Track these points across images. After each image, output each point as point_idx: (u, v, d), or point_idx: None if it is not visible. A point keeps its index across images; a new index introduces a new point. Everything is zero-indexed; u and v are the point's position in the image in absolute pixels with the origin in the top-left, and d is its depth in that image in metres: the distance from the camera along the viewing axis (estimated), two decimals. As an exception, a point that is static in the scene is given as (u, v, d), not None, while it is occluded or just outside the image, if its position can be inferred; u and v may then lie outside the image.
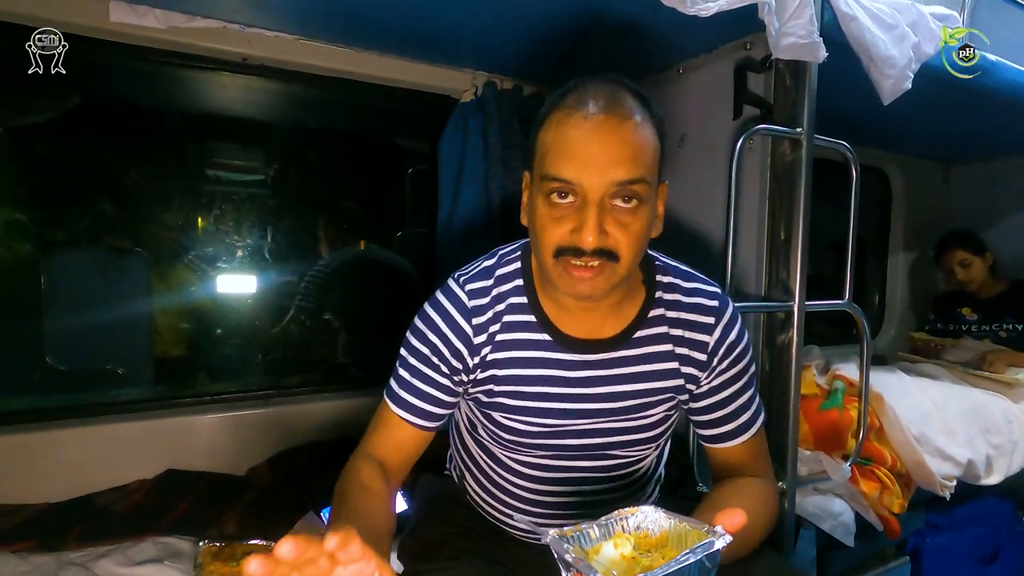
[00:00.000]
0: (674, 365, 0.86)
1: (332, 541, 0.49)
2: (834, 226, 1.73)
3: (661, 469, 1.03)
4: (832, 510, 1.37)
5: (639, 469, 0.95)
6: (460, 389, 0.88)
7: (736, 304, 1.13)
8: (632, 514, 0.60)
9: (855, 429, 1.40)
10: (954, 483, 1.52)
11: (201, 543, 1.06)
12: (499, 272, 0.87)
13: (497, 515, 0.98)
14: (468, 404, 0.94)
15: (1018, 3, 1.62)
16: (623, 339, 0.85)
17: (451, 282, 0.87)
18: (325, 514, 1.20)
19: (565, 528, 0.58)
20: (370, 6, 1.23)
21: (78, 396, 1.70)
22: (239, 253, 1.97)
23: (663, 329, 0.86)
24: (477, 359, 0.85)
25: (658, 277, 0.88)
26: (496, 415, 0.88)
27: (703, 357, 0.85)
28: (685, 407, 0.91)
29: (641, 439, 0.89)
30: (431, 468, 1.29)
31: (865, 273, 2.61)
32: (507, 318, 0.85)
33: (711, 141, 1.41)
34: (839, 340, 2.24)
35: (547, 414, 0.85)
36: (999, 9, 1.56)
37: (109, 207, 1.83)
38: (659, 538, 0.58)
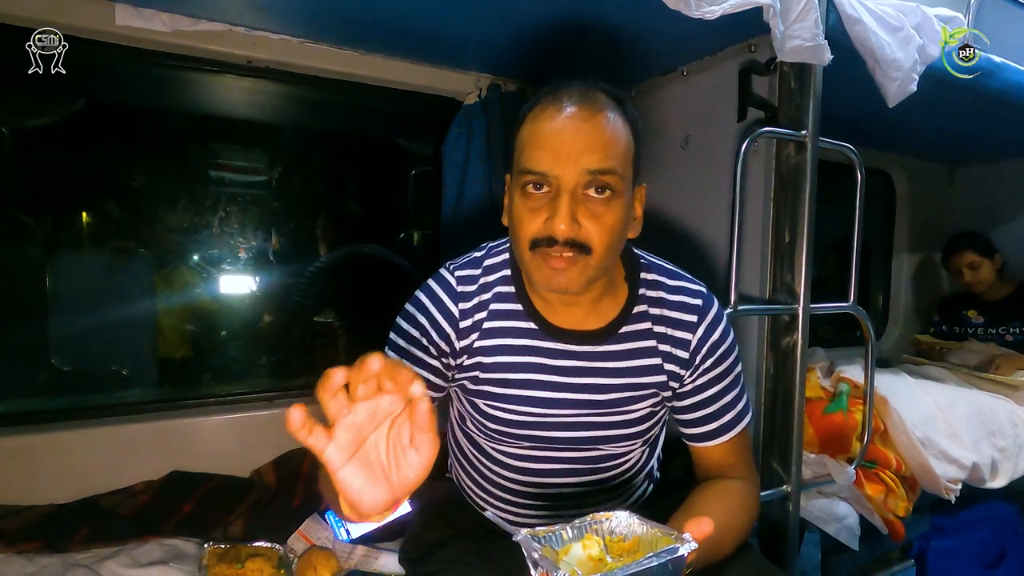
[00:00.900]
0: (657, 361, 0.87)
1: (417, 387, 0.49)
2: (836, 227, 1.73)
3: (653, 465, 1.04)
4: (837, 513, 1.37)
5: (626, 464, 0.96)
6: (449, 374, 0.90)
7: (740, 307, 1.15)
8: (607, 518, 0.61)
9: (860, 432, 1.40)
10: (959, 486, 1.51)
11: (206, 545, 1.06)
12: (487, 262, 0.90)
13: (498, 516, 0.98)
14: (457, 394, 0.95)
15: (1023, 5, 1.62)
16: (607, 334, 0.86)
17: (442, 269, 0.91)
18: (329, 516, 1.20)
19: (538, 528, 0.59)
20: (375, 9, 1.23)
21: (83, 398, 1.71)
22: (243, 254, 1.97)
23: (646, 325, 0.87)
24: (464, 343, 0.87)
25: (642, 275, 0.89)
26: (481, 403, 0.89)
27: (686, 355, 0.87)
28: (669, 404, 0.92)
29: (626, 435, 0.90)
30: (432, 471, 1.29)
31: (869, 275, 2.60)
32: (494, 306, 0.87)
33: (715, 143, 1.41)
34: (843, 342, 2.24)
35: (531, 402, 0.87)
36: (1004, 11, 1.55)
37: (114, 209, 1.84)
38: (631, 543, 0.59)
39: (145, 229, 1.87)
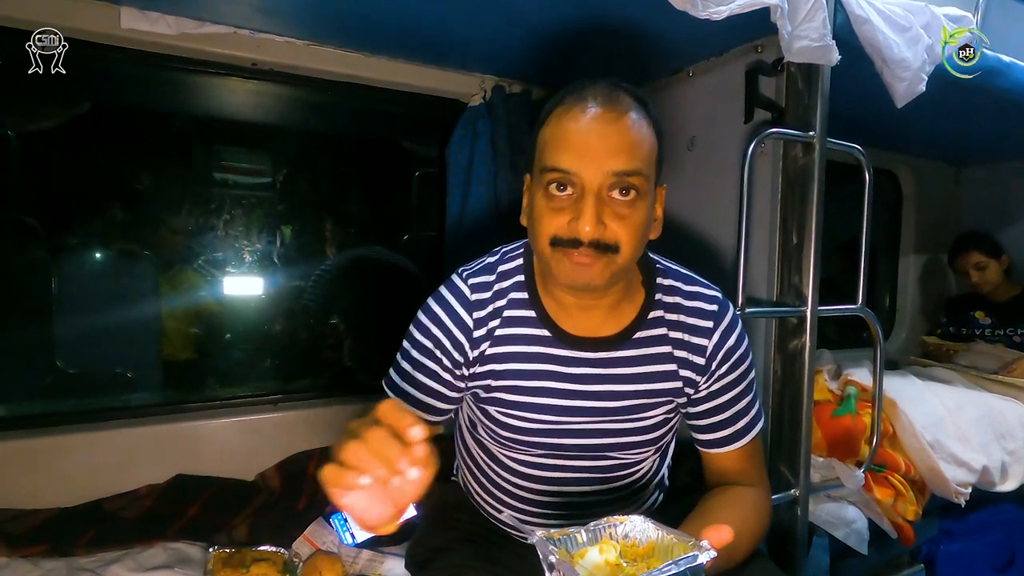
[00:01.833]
0: (672, 367, 0.86)
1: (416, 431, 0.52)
2: (842, 228, 1.72)
3: (664, 473, 1.03)
4: (845, 517, 1.36)
5: (639, 472, 0.95)
6: (462, 384, 0.88)
7: (748, 309, 1.14)
8: (621, 522, 0.60)
9: (869, 435, 1.39)
10: (969, 490, 1.50)
11: (211, 549, 1.06)
12: (501, 268, 0.89)
13: (500, 517, 0.99)
14: (468, 401, 0.94)
15: (1031, 4, 1.60)
16: (622, 339, 0.85)
17: (455, 276, 0.89)
18: (335, 520, 1.20)
19: (553, 530, 0.58)
20: (380, 11, 1.23)
21: (88, 401, 1.71)
22: (247, 257, 1.97)
23: (662, 331, 0.86)
24: (476, 352, 0.86)
25: (658, 280, 0.88)
26: (494, 411, 0.88)
27: (702, 361, 0.86)
28: (683, 411, 0.91)
29: (639, 441, 0.89)
30: (437, 474, 1.29)
31: (875, 276, 2.59)
32: (507, 313, 0.86)
33: (721, 144, 1.40)
34: (849, 343, 2.22)
35: (544, 410, 0.86)
36: (1012, 10, 1.54)
37: (118, 211, 1.84)
38: (646, 548, 0.59)
39: (150, 232, 1.87)
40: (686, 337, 0.86)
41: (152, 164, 1.85)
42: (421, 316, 0.89)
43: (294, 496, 1.32)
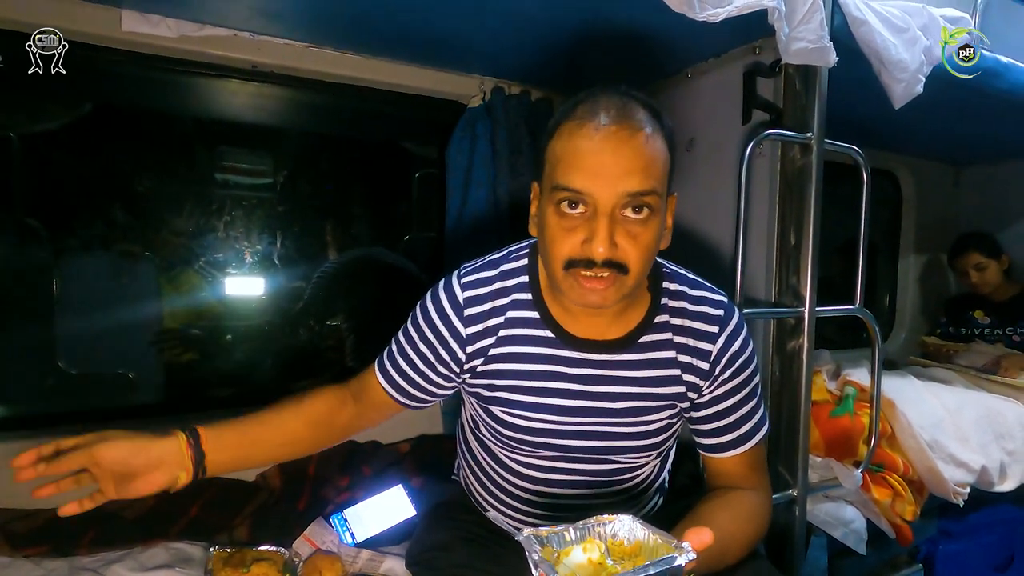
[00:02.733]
0: (676, 372, 0.86)
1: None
2: (841, 228, 1.72)
3: (664, 477, 1.03)
4: (844, 517, 1.36)
5: (639, 476, 0.95)
6: (449, 383, 0.92)
7: (746, 310, 1.14)
8: (610, 521, 0.61)
9: (867, 435, 1.39)
10: (967, 490, 1.50)
11: (212, 549, 1.06)
12: (504, 267, 0.89)
13: (504, 517, 0.99)
14: (471, 401, 0.95)
15: (1030, 5, 1.61)
16: (627, 343, 0.85)
17: (453, 275, 0.90)
18: (334, 519, 1.20)
19: (541, 528, 0.59)
20: (379, 14, 1.24)
21: (90, 401, 1.72)
22: (248, 258, 1.98)
23: (667, 336, 0.86)
24: (472, 349, 0.87)
25: (664, 284, 0.88)
26: (497, 410, 0.89)
27: (706, 366, 0.86)
28: (686, 415, 0.90)
29: (641, 446, 0.89)
30: (437, 473, 1.30)
31: (875, 276, 2.59)
32: (511, 313, 0.86)
33: (720, 146, 1.40)
34: (848, 344, 2.23)
35: (548, 410, 0.86)
36: (1010, 11, 1.55)
37: (120, 213, 1.84)
38: (632, 547, 0.60)
39: (151, 233, 1.88)
40: (691, 342, 0.86)
41: (153, 165, 1.85)
42: (416, 309, 0.92)
43: (294, 496, 1.32)
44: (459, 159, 1.61)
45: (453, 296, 0.87)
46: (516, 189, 1.61)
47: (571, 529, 0.60)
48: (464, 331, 0.86)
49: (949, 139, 2.18)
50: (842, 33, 1.15)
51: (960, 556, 1.63)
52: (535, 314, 0.86)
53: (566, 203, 0.74)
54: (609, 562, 0.57)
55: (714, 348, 0.85)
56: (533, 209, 0.84)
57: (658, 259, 0.90)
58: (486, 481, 0.99)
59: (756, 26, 1.07)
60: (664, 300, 0.87)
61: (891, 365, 2.21)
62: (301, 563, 1.09)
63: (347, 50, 1.45)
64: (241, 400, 1.57)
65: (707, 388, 0.87)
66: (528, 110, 1.65)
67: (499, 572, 0.91)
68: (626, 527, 0.61)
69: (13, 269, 1.62)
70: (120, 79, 1.52)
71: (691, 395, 0.87)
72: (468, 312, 0.86)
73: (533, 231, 0.84)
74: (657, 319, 0.86)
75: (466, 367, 0.88)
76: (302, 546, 1.15)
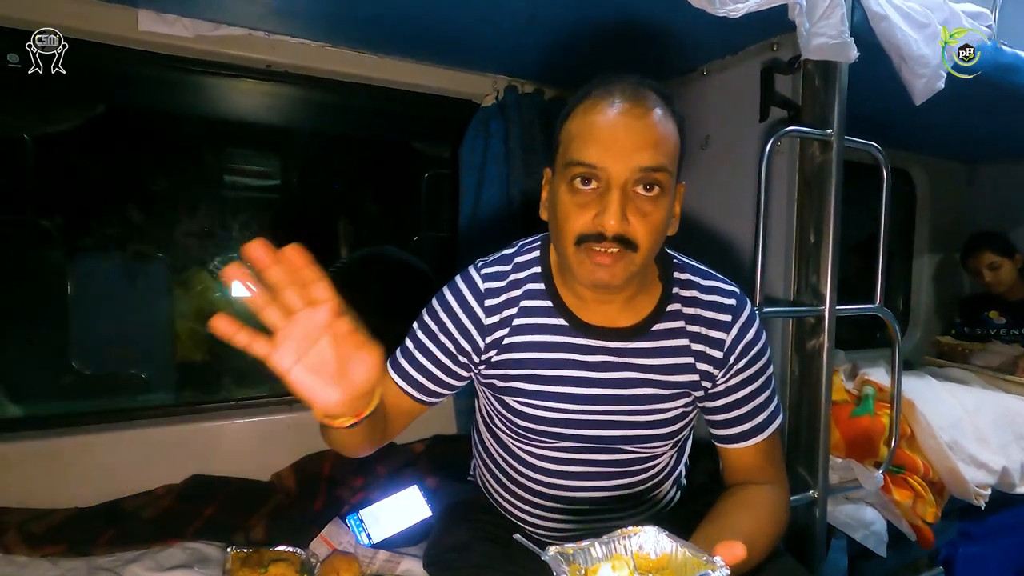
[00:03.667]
0: (689, 360, 0.87)
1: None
2: (855, 228, 1.70)
3: (681, 470, 1.03)
4: (864, 519, 1.35)
5: (655, 467, 0.95)
6: (466, 373, 0.91)
7: (765, 309, 1.13)
8: (635, 533, 0.60)
9: (887, 436, 1.37)
10: (988, 491, 1.48)
11: (229, 549, 1.06)
12: (518, 259, 0.90)
13: (518, 513, 0.99)
14: (485, 393, 0.95)
15: (1049, 0, 1.58)
16: (640, 331, 0.86)
17: (470, 268, 0.91)
18: (350, 520, 1.20)
19: (567, 545, 0.59)
20: (393, 12, 1.23)
21: (104, 401, 1.72)
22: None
23: (679, 324, 0.87)
24: (489, 339, 0.87)
25: (675, 274, 0.89)
26: (512, 401, 0.89)
27: (719, 355, 0.86)
28: (701, 405, 0.91)
29: (656, 435, 0.90)
30: (453, 473, 1.29)
31: (889, 276, 2.56)
32: (524, 303, 0.87)
33: (736, 143, 1.39)
34: (862, 344, 2.21)
35: (562, 399, 0.87)
36: (1030, 6, 1.53)
37: (133, 213, 1.85)
38: (659, 560, 0.59)
39: (164, 233, 1.89)
40: (703, 331, 0.86)
41: (166, 166, 1.86)
42: (433, 302, 0.91)
43: (310, 496, 1.32)
44: (472, 158, 1.60)
45: (474, 286, 0.88)
46: (530, 188, 1.61)
47: (597, 544, 0.59)
48: (485, 320, 0.87)
49: (963, 137, 2.16)
50: (862, 28, 1.14)
51: (981, 558, 1.62)
52: (548, 303, 0.87)
53: (579, 179, 0.75)
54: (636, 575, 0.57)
55: (728, 337, 0.86)
56: (544, 194, 0.85)
57: (669, 251, 0.92)
58: (502, 478, 0.99)
59: (774, 22, 1.06)
60: (676, 289, 0.88)
61: (907, 365, 2.19)
62: (318, 564, 1.08)
63: (361, 49, 1.46)
64: (255, 401, 1.56)
65: (721, 378, 0.87)
66: (541, 109, 1.64)
67: (517, 572, 0.90)
68: (652, 539, 0.60)
69: (27, 270, 1.62)
70: (134, 79, 1.53)
71: (705, 384, 0.88)
72: (488, 303, 0.87)
73: (544, 215, 0.85)
74: (669, 307, 0.87)
75: (483, 357, 0.89)
76: (319, 547, 1.14)
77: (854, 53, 1.11)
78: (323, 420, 0.64)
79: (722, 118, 1.44)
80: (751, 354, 0.87)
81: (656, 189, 0.74)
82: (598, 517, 0.94)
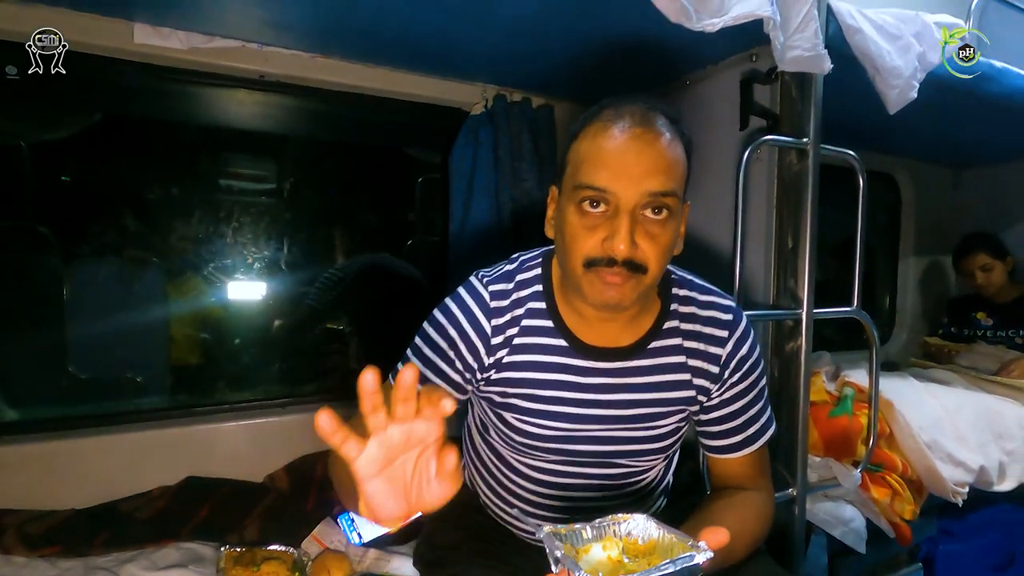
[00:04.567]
0: (686, 377, 0.87)
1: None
2: (838, 229, 1.73)
3: (669, 480, 1.05)
4: (843, 516, 1.38)
5: (646, 480, 0.96)
6: (469, 388, 0.89)
7: (745, 312, 1.16)
8: (625, 520, 0.63)
9: (865, 435, 1.41)
10: (966, 489, 1.51)
11: (223, 548, 1.08)
12: (519, 277, 0.89)
13: (508, 518, 1.00)
14: (480, 404, 0.95)
15: (1024, 10, 1.62)
16: (637, 349, 0.86)
17: (475, 280, 0.89)
18: (342, 520, 1.22)
19: (560, 526, 0.61)
20: (383, 23, 1.26)
21: (100, 405, 1.75)
22: (254, 263, 2.01)
23: (677, 341, 0.87)
24: (492, 359, 0.86)
25: (674, 290, 0.89)
26: (508, 416, 0.89)
27: (716, 370, 0.87)
28: (695, 418, 0.92)
29: (650, 449, 0.91)
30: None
31: (875, 278, 2.60)
32: (525, 322, 0.87)
33: (718, 151, 1.42)
34: (849, 345, 2.24)
35: (559, 418, 0.87)
36: (1006, 16, 1.56)
37: (129, 219, 1.88)
38: (647, 546, 0.61)
39: (159, 239, 1.91)
40: (701, 346, 0.87)
41: (162, 173, 1.89)
42: (438, 315, 0.88)
43: (302, 497, 1.35)
44: (462, 166, 1.63)
45: (481, 299, 0.87)
46: (519, 195, 1.64)
47: (588, 528, 0.62)
48: (492, 339, 0.86)
49: (948, 142, 2.19)
50: (837, 41, 1.17)
51: (960, 555, 1.64)
52: (549, 323, 0.86)
53: (588, 202, 0.75)
54: (626, 560, 0.59)
55: (724, 352, 0.86)
56: (550, 212, 0.85)
57: (669, 266, 0.91)
58: (493, 483, 1.01)
59: (752, 34, 1.10)
60: (674, 306, 0.88)
61: (892, 366, 2.23)
62: (310, 562, 1.11)
63: (352, 59, 1.49)
64: (249, 404, 1.59)
65: (716, 391, 0.88)
66: (530, 117, 1.67)
67: (507, 570, 0.93)
68: (640, 526, 0.62)
69: (24, 275, 1.64)
70: (130, 89, 1.56)
71: (700, 399, 0.88)
72: (495, 321, 0.86)
73: (550, 233, 0.85)
74: (667, 324, 0.87)
75: (484, 375, 0.88)
76: (311, 546, 1.17)
77: (828, 65, 1.14)
78: (367, 517, 0.58)
79: (705, 127, 1.47)
80: (745, 367, 0.88)
81: (664, 212, 0.75)
82: (588, 519, 0.96)
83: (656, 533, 0.61)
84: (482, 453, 1.02)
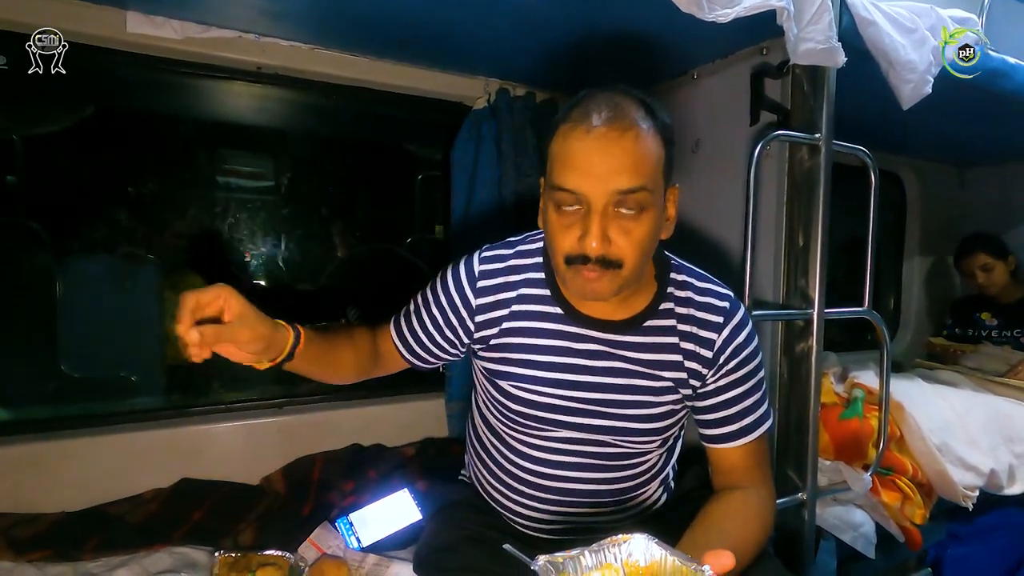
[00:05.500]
0: (678, 358, 0.90)
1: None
2: (844, 228, 1.71)
3: (669, 472, 1.05)
4: (853, 521, 1.35)
5: (642, 465, 0.97)
6: (453, 349, 0.98)
7: (754, 312, 1.13)
8: (625, 541, 0.60)
9: (876, 439, 1.38)
10: (976, 493, 1.49)
11: (217, 553, 1.05)
12: (521, 247, 0.96)
13: (509, 504, 1.01)
14: (481, 380, 1.01)
15: (1036, 6, 1.60)
16: (631, 325, 0.90)
17: (474, 254, 0.97)
18: (340, 524, 1.19)
19: (557, 554, 0.59)
20: (384, 15, 1.23)
21: (93, 405, 1.71)
22: (251, 260, 1.97)
23: (671, 322, 0.90)
24: (481, 319, 0.93)
25: (672, 275, 0.92)
26: (505, 384, 0.94)
27: (709, 355, 0.89)
28: (691, 404, 0.93)
29: (644, 429, 0.92)
30: (443, 476, 1.29)
31: (880, 278, 2.58)
32: (523, 291, 0.92)
33: (726, 147, 1.39)
34: (852, 346, 2.22)
35: (553, 384, 0.91)
36: (1017, 12, 1.54)
37: (123, 215, 1.84)
38: (648, 568, 0.59)
39: (154, 235, 1.88)
40: (695, 330, 0.89)
41: (156, 168, 1.85)
42: (435, 277, 1.00)
43: (299, 500, 1.31)
44: (464, 161, 1.60)
45: (470, 269, 0.95)
46: (522, 190, 1.61)
47: (587, 553, 0.59)
48: (474, 301, 0.93)
49: (954, 140, 2.17)
50: (850, 34, 1.14)
51: (969, 559, 1.62)
52: (547, 292, 0.91)
53: (562, 202, 0.78)
54: None
55: (718, 338, 0.88)
56: (542, 203, 0.88)
57: (667, 253, 0.94)
58: (494, 468, 1.01)
59: (763, 27, 1.07)
60: (670, 289, 0.91)
61: (897, 367, 2.21)
62: (307, 567, 1.08)
63: (352, 52, 1.45)
64: (244, 404, 1.56)
65: (711, 377, 0.90)
66: (533, 111, 1.64)
67: (506, 573, 0.90)
68: (641, 547, 0.60)
69: (15, 272, 1.61)
70: (124, 81, 1.52)
71: (693, 382, 0.90)
72: (480, 284, 0.93)
73: (540, 223, 0.88)
74: (662, 306, 0.90)
75: (476, 336, 0.95)
76: (308, 550, 1.14)
77: (842, 58, 1.11)
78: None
79: (713, 122, 1.45)
80: (741, 356, 0.89)
81: (637, 207, 0.76)
82: (586, 511, 0.96)
83: (658, 554, 0.59)
84: (483, 439, 1.04)
